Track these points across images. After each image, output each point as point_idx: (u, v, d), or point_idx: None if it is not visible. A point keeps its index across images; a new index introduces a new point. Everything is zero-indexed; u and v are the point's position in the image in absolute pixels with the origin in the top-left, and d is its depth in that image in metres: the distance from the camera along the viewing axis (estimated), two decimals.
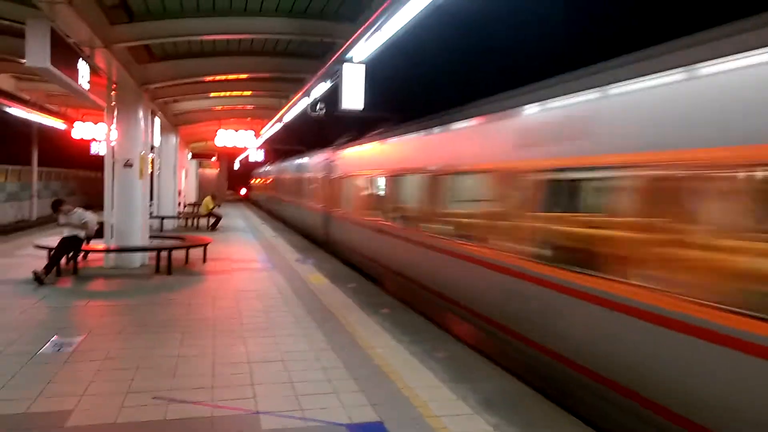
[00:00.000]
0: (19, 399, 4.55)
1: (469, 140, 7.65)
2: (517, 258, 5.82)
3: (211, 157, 34.71)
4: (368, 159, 12.65)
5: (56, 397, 4.65)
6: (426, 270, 8.46)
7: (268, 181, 35.66)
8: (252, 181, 52.17)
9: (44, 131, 22.70)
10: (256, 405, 4.60)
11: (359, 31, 7.40)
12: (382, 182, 11.29)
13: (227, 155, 41.21)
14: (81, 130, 19.15)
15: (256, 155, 30.12)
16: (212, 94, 16.75)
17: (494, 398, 4.87)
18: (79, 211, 10.26)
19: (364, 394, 4.88)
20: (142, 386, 4.92)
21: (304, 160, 22.52)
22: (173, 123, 19.78)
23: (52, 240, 10.54)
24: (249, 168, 48.81)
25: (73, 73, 7.42)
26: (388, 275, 10.32)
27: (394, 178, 10.44)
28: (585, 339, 4.81)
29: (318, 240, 17.18)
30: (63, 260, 10.01)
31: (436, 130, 8.86)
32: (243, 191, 62.37)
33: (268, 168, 37.58)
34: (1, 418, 4.22)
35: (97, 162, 24.35)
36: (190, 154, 29.89)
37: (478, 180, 7.25)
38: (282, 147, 31.86)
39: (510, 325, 5.99)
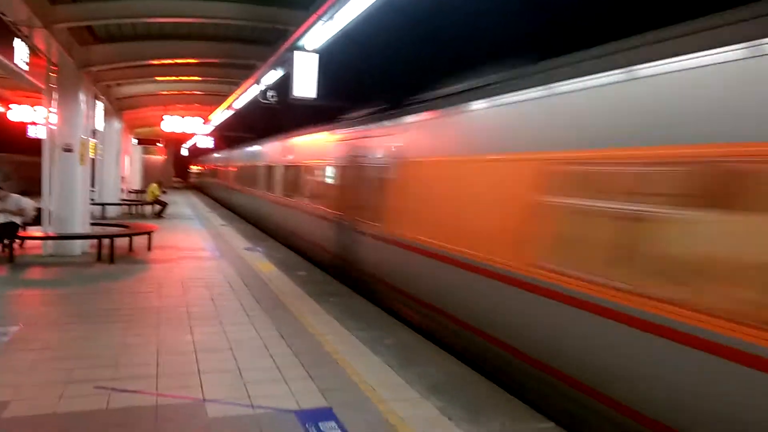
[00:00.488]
0: None
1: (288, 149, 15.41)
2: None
3: (156, 143, 33.69)
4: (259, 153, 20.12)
5: None
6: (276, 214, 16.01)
7: (211, 168, 40.00)
8: (196, 168, 51.34)
9: None
10: (203, 393, 4.57)
11: (311, 18, 7.36)
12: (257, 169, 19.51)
13: (174, 142, 40.13)
14: (18, 113, 18.28)
15: (204, 142, 29.47)
16: (158, 78, 16.28)
17: (440, 382, 5.00)
18: (15, 196, 9.84)
19: (314, 381, 4.91)
20: (82, 376, 4.80)
21: (228, 151, 30.10)
22: (117, 107, 19.10)
23: None
24: (197, 155, 47.62)
25: (10, 53, 7.08)
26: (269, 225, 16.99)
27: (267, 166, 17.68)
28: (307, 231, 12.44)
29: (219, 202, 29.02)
30: None
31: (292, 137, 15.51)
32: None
33: (215, 155, 36.95)
34: None
35: (35, 146, 23.32)
36: (135, 139, 28.97)
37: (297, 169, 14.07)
38: (228, 134, 31.40)
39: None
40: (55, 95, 10.84)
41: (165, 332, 6.18)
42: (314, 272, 10.27)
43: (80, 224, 11.22)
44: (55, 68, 10.70)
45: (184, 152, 46.29)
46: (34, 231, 10.52)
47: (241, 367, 5.22)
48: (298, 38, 8.27)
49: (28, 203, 9.85)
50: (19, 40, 7.51)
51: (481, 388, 5.02)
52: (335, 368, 5.27)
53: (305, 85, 8.65)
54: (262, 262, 11.06)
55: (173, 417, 4.16)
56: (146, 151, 37.55)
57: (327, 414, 4.29)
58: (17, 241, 10.20)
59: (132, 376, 4.85)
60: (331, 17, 7.06)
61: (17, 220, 9.68)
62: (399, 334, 6.52)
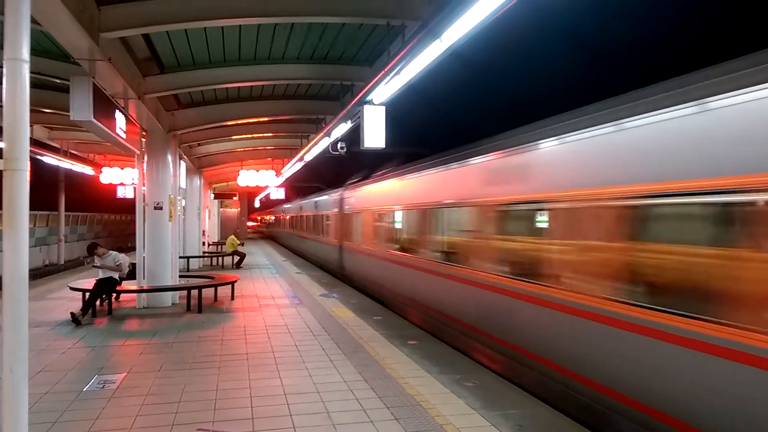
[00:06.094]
0: None
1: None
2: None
3: (232, 197, 35.36)
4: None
5: (105, 431, 4.90)
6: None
7: (282, 217, 42.86)
8: (265, 218, 53.72)
9: (70, 177, 23.44)
10: None
11: (379, 75, 7.78)
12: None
13: (247, 194, 41.95)
14: (109, 176, 19.79)
15: (277, 193, 30.69)
16: (234, 137, 17.33)
17: (526, 425, 5.02)
18: (113, 253, 10.65)
19: (400, 423, 5.05)
20: (186, 419, 5.16)
21: (289, 204, 34.52)
22: (197, 165, 20.38)
23: (87, 282, 10.92)
24: (268, 206, 49.47)
25: (112, 123, 7.85)
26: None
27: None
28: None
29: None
30: (97, 301, 10.36)
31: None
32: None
33: (286, 206, 38.33)
34: None
35: (121, 205, 25.08)
36: (212, 194, 30.56)
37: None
38: (297, 185, 32.93)
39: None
40: (145, 158, 11.79)
41: (255, 377, 6.51)
42: (390, 316, 10.46)
43: (170, 277, 11.97)
44: (145, 133, 11.67)
45: (257, 204, 48.22)
46: (130, 285, 11.30)
47: (328, 409, 5.43)
48: (367, 93, 8.72)
49: (124, 259, 10.65)
50: (119, 111, 8.32)
51: (567, 430, 5.00)
52: (419, 410, 5.39)
53: (374, 136, 9.04)
54: (338, 308, 11.37)
55: None
56: (222, 205, 39.45)
57: None
58: (114, 294, 11.00)
59: (230, 419, 5.16)
60: (397, 73, 7.45)
61: (115, 275, 10.45)
62: (480, 376, 6.57)
